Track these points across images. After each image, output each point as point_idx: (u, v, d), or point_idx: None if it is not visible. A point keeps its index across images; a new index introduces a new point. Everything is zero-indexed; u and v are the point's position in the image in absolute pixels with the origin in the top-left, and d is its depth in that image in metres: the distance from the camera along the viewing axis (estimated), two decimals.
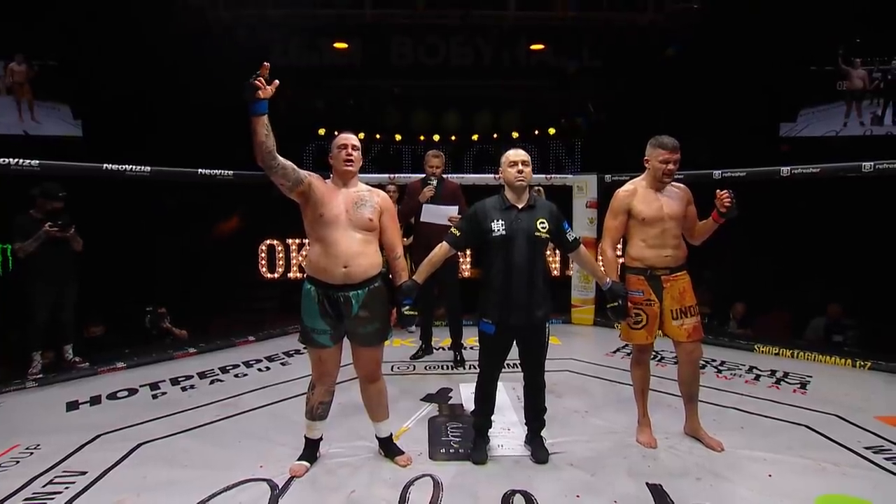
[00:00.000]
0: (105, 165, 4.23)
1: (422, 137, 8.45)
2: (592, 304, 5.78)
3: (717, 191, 2.75)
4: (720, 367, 4.31)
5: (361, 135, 8.26)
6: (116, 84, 6.35)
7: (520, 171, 2.58)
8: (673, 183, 2.89)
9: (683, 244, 2.88)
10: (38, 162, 3.93)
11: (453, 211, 4.08)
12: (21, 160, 3.86)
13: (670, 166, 2.78)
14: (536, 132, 8.50)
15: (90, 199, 5.02)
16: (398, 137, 8.59)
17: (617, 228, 2.86)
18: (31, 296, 4.08)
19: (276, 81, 2.18)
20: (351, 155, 2.47)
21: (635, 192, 2.86)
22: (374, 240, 2.52)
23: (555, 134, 8.45)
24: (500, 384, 2.83)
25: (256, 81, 2.13)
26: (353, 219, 2.44)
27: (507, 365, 2.83)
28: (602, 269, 2.86)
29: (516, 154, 2.62)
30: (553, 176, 5.97)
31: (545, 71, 7.89)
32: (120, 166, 4.29)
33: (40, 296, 4.10)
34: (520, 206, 2.59)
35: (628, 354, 4.58)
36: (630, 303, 2.84)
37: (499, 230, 2.55)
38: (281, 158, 2.32)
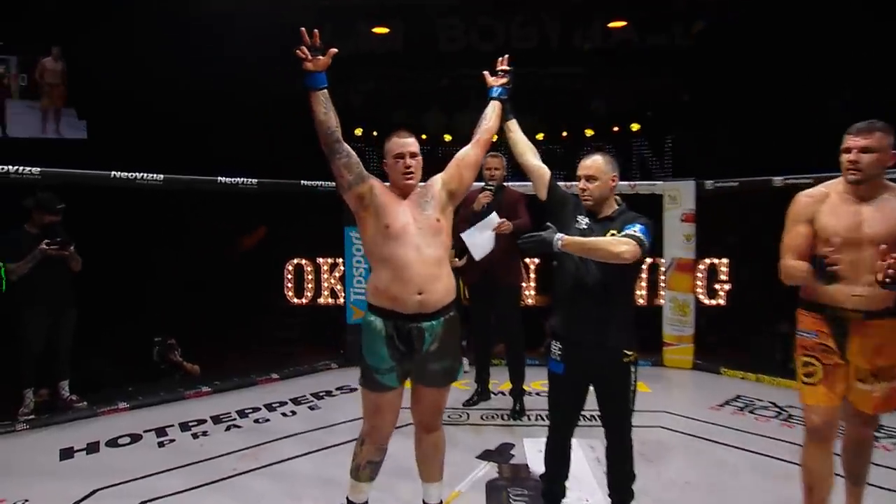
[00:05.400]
0: (113, 173, 4.37)
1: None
2: (690, 343, 5.53)
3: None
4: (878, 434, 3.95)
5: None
6: (124, 80, 6.60)
7: (583, 189, 2.60)
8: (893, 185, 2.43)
9: None
10: (39, 170, 4.08)
11: (495, 219, 4.01)
12: (21, 167, 4.01)
13: (851, 156, 2.36)
14: (616, 129, 8.31)
15: (91, 209, 5.20)
16: (448, 138, 8.58)
17: (797, 246, 2.42)
18: (22, 324, 4.20)
19: (333, 50, 2.29)
20: (410, 166, 2.49)
21: (826, 197, 2.46)
22: (447, 256, 2.56)
23: (639, 130, 8.23)
24: (574, 441, 2.75)
25: (298, 52, 2.23)
26: (423, 225, 2.46)
27: (584, 417, 2.75)
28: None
29: (582, 166, 2.63)
30: (638, 183, 5.80)
31: (628, 53, 7.73)
32: (129, 174, 4.43)
33: (33, 324, 4.20)
34: (598, 216, 2.62)
35: (741, 409, 4.40)
36: (800, 348, 2.50)
37: (580, 225, 2.59)
38: (346, 145, 2.41)
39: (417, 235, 2.43)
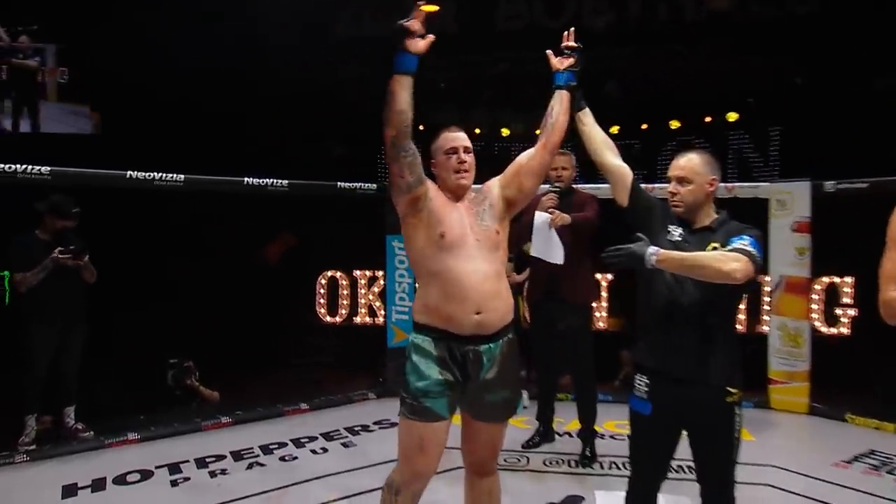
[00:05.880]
0: (129, 173, 4.52)
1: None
2: (805, 381, 5.31)
3: None
4: None
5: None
6: (139, 68, 6.80)
7: (673, 193, 2.55)
8: None
9: None
10: (48, 169, 4.23)
11: (543, 217, 4.02)
12: (28, 167, 4.17)
13: None
14: (709, 119, 8.14)
15: (102, 212, 5.35)
16: (505, 132, 8.55)
17: None
18: (29, 341, 4.35)
19: (431, 37, 2.34)
20: (464, 161, 2.54)
21: None
22: (504, 271, 2.60)
23: (738, 120, 8.02)
24: (661, 498, 2.66)
25: (408, 24, 2.27)
26: (481, 237, 2.50)
27: (672, 467, 2.64)
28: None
29: (674, 165, 2.60)
30: (737, 185, 5.66)
31: (724, 28, 7.57)
32: (147, 174, 4.56)
33: (41, 341, 4.35)
34: (694, 227, 2.55)
35: (876, 467, 4.18)
36: None
37: (674, 236, 2.54)
38: (413, 143, 2.45)
39: (475, 247, 2.46)
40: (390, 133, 2.37)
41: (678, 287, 2.46)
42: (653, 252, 2.31)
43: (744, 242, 2.36)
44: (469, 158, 2.55)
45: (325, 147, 7.97)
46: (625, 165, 2.72)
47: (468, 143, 2.57)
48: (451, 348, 2.44)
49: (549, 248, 4.04)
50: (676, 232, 2.53)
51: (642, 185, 2.74)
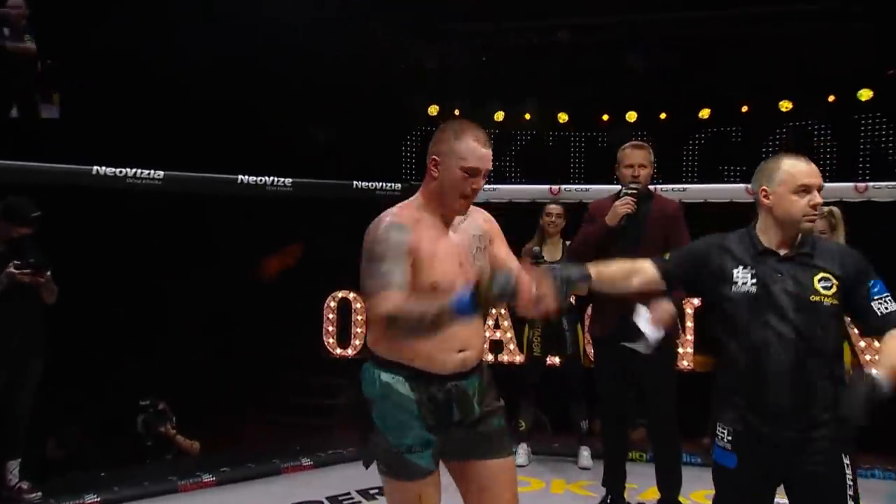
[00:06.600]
0: (95, 168, 4.52)
1: (606, 117, 8.32)
2: None
3: None
4: None
5: (500, 115, 8.19)
6: (110, 39, 6.87)
7: (814, 206, 2.52)
8: None
9: None
10: None
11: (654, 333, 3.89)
12: None
13: None
14: (832, 98, 7.94)
15: (62, 216, 5.36)
16: (563, 118, 8.54)
17: None
18: None
19: None
20: (479, 190, 2.61)
21: None
22: None
23: (873, 99, 7.77)
24: None
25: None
26: (472, 277, 2.53)
27: None
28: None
29: (811, 172, 2.55)
30: (872, 184, 5.41)
31: None
32: (118, 170, 4.56)
33: None
34: (782, 253, 2.56)
35: None
36: None
37: (745, 283, 2.54)
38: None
39: (464, 286, 2.47)
40: (412, 329, 2.40)
41: (773, 333, 2.47)
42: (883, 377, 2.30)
43: (883, 296, 2.44)
44: (483, 185, 2.63)
45: (323, 136, 7.92)
46: (648, 268, 2.78)
47: (490, 166, 2.62)
48: (430, 391, 2.51)
49: (648, 339, 3.91)
50: (748, 276, 2.57)
51: (675, 253, 2.89)
